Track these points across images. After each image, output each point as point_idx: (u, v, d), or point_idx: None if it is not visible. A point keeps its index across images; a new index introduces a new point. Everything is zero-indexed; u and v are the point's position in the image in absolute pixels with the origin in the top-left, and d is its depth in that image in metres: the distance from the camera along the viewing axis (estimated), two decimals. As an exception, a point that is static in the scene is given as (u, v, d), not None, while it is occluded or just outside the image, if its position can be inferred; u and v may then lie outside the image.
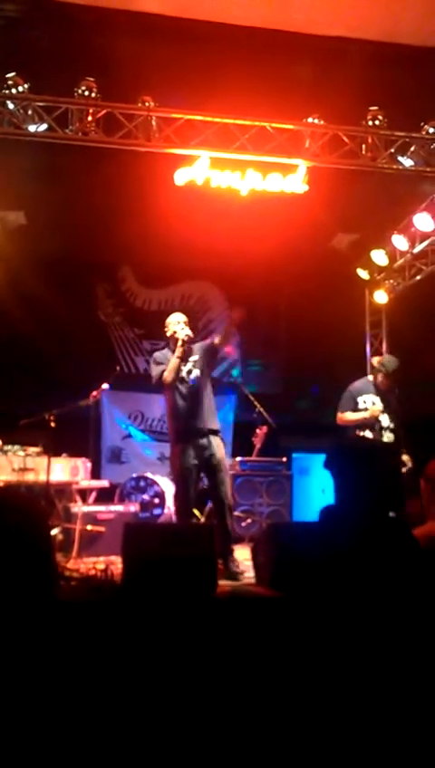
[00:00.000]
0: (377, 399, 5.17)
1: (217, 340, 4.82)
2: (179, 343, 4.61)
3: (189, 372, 4.68)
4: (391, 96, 5.60)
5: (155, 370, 4.71)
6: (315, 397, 7.18)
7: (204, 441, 4.55)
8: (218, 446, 4.60)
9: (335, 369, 7.17)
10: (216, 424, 4.69)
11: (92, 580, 3.28)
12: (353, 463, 2.09)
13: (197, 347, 4.80)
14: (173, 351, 4.66)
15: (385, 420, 5.16)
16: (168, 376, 4.59)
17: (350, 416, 5.15)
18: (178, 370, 4.62)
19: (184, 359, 4.66)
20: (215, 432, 4.63)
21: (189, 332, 4.68)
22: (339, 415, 5.20)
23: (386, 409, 5.16)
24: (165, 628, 2.47)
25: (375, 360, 5.65)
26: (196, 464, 4.54)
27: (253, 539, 4.78)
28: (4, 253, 6.44)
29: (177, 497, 4.72)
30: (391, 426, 5.18)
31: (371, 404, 5.13)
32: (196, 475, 4.58)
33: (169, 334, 4.77)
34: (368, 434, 5.07)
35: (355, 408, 5.17)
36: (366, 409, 5.12)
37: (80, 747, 1.99)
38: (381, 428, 5.12)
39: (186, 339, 4.63)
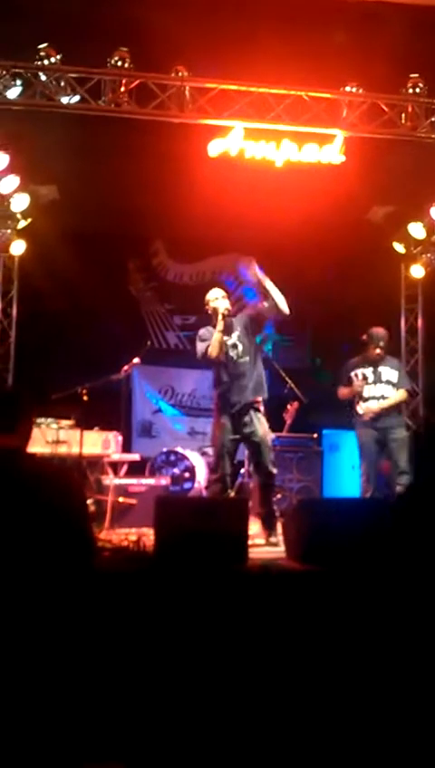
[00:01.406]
0: (368, 371, 5.37)
1: (266, 303, 4.70)
2: (220, 317, 4.58)
3: (234, 347, 4.65)
4: (431, 63, 5.42)
5: (199, 347, 4.69)
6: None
7: (246, 418, 4.58)
8: (260, 422, 4.62)
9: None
10: (262, 395, 4.68)
11: (125, 551, 3.32)
12: None
13: (238, 320, 4.75)
14: (215, 327, 4.65)
15: (370, 390, 5.36)
16: (212, 351, 4.57)
17: (342, 390, 5.44)
18: (223, 344, 4.60)
19: (227, 332, 4.64)
20: (257, 408, 4.63)
21: (229, 305, 4.65)
22: (337, 390, 5.48)
23: (377, 380, 5.36)
24: (197, 599, 2.50)
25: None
26: (233, 438, 4.58)
27: (283, 514, 4.80)
28: (36, 227, 6.46)
29: (213, 470, 4.75)
30: (383, 395, 5.35)
31: (360, 376, 5.37)
32: (233, 450, 4.62)
33: (209, 311, 4.74)
34: (362, 405, 5.36)
35: (349, 383, 5.41)
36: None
37: (113, 712, 2.04)
38: (362, 399, 5.35)
39: (226, 312, 4.60)
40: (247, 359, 4.65)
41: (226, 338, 4.64)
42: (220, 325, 4.58)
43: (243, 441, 4.63)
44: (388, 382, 5.38)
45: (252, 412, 4.60)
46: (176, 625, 2.38)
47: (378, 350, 5.33)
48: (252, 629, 2.43)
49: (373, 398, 5.34)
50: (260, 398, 4.69)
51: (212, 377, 4.78)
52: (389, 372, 5.41)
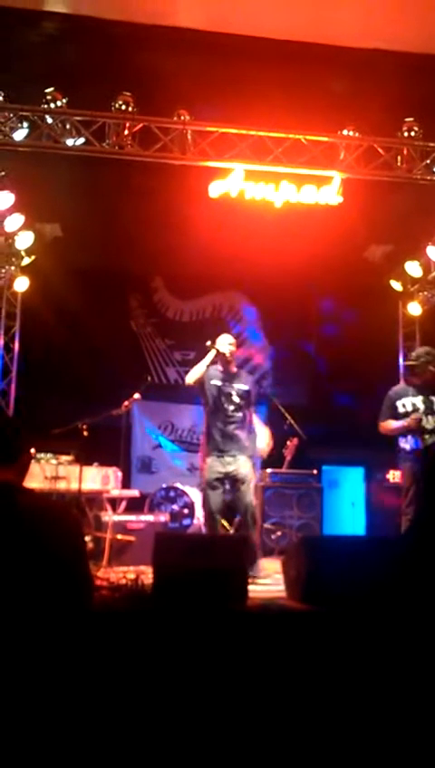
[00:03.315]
0: (417, 401, 4.80)
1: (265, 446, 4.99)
2: (212, 351, 4.70)
3: (229, 396, 4.73)
4: (426, 107, 5.57)
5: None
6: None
7: (230, 458, 4.65)
8: (245, 464, 4.69)
9: (367, 382, 7.10)
10: (250, 452, 4.78)
11: (123, 590, 3.28)
12: None
13: (245, 379, 4.88)
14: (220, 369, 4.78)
15: (429, 423, 4.74)
16: (189, 376, 4.75)
17: (391, 424, 4.79)
18: (201, 375, 4.71)
19: (228, 380, 4.75)
20: (243, 453, 4.72)
21: (226, 351, 4.75)
22: (380, 424, 4.87)
23: (429, 411, 4.75)
24: (195, 639, 2.46)
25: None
26: (220, 477, 4.64)
27: (283, 551, 4.75)
28: (40, 264, 6.55)
29: (202, 507, 4.81)
30: None
31: (410, 407, 4.76)
32: (221, 487, 4.68)
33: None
34: (410, 440, 4.75)
35: (395, 414, 4.81)
36: (407, 413, 4.76)
37: (107, 755, 1.99)
38: (424, 432, 4.71)
39: (218, 350, 4.71)
40: (241, 416, 4.73)
41: (223, 384, 4.73)
42: (208, 358, 4.71)
43: (227, 478, 4.68)
44: None
45: (238, 455, 4.68)
46: (174, 665, 2.34)
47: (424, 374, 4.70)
48: (251, 670, 2.39)
49: (423, 431, 4.72)
50: (248, 455, 4.76)
51: (203, 416, 4.86)
52: None
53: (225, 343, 4.79)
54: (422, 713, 1.64)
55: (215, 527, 4.68)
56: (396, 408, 4.83)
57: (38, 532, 1.79)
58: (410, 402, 4.81)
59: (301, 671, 2.37)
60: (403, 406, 4.81)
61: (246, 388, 4.80)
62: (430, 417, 4.75)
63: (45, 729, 1.62)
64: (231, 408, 4.72)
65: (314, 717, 2.23)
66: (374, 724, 1.78)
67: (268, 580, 4.36)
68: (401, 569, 1.90)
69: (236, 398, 4.73)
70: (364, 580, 2.43)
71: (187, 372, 4.96)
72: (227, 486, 4.72)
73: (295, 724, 2.23)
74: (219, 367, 4.79)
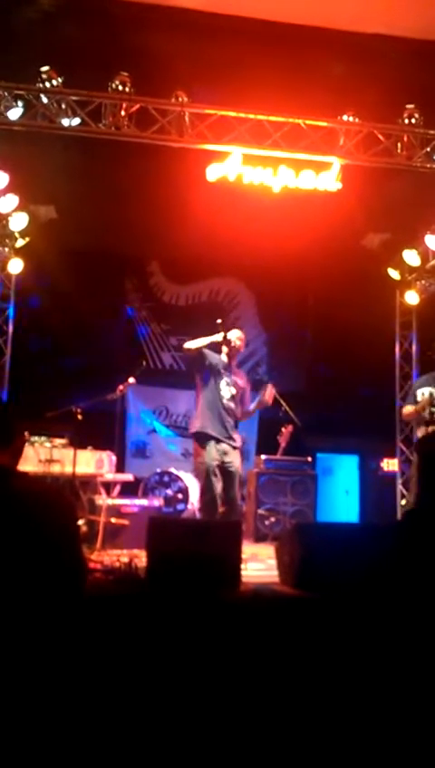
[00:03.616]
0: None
1: (251, 406, 4.99)
2: (221, 334, 4.75)
3: (227, 384, 4.81)
4: (427, 94, 5.53)
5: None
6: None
7: (225, 446, 4.72)
8: (237, 458, 4.80)
9: (363, 370, 7.11)
10: (238, 441, 4.85)
11: (117, 573, 3.29)
12: None
13: (245, 378, 5.00)
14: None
15: None
16: (189, 342, 4.78)
17: (407, 409, 5.17)
18: (201, 346, 4.75)
19: (228, 371, 4.83)
20: (235, 445, 4.81)
21: (234, 341, 4.84)
22: (403, 411, 5.25)
23: None
24: (188, 623, 2.47)
25: None
26: (219, 464, 4.69)
27: (277, 537, 4.77)
28: (34, 246, 6.49)
29: (202, 493, 4.80)
30: None
31: (427, 395, 5.01)
32: (220, 474, 4.71)
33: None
34: (422, 428, 5.01)
35: (415, 402, 5.10)
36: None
37: (99, 740, 2.00)
38: (429, 423, 4.92)
39: (226, 336, 4.78)
40: (234, 406, 4.82)
41: (223, 371, 4.79)
42: (214, 337, 4.76)
43: (222, 467, 4.71)
44: None
45: (232, 449, 4.75)
46: (167, 649, 2.35)
47: None
48: (244, 655, 2.40)
49: (427, 421, 4.90)
50: (238, 444, 4.86)
51: (196, 399, 4.89)
52: None
53: (234, 336, 4.88)
54: (417, 701, 1.64)
55: (214, 513, 4.69)
56: (416, 395, 5.08)
57: (32, 515, 1.78)
58: (427, 391, 5.05)
59: (293, 656, 2.38)
60: (422, 394, 5.05)
61: (241, 383, 4.89)
62: None
63: (37, 712, 1.62)
64: (227, 395, 4.79)
65: (306, 702, 2.24)
66: (365, 709, 1.79)
67: (262, 566, 4.38)
68: (394, 556, 1.90)
69: (233, 389, 4.82)
70: (357, 566, 2.44)
71: (182, 358, 4.99)
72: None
73: (288, 707, 2.24)
74: (223, 356, 4.84)
